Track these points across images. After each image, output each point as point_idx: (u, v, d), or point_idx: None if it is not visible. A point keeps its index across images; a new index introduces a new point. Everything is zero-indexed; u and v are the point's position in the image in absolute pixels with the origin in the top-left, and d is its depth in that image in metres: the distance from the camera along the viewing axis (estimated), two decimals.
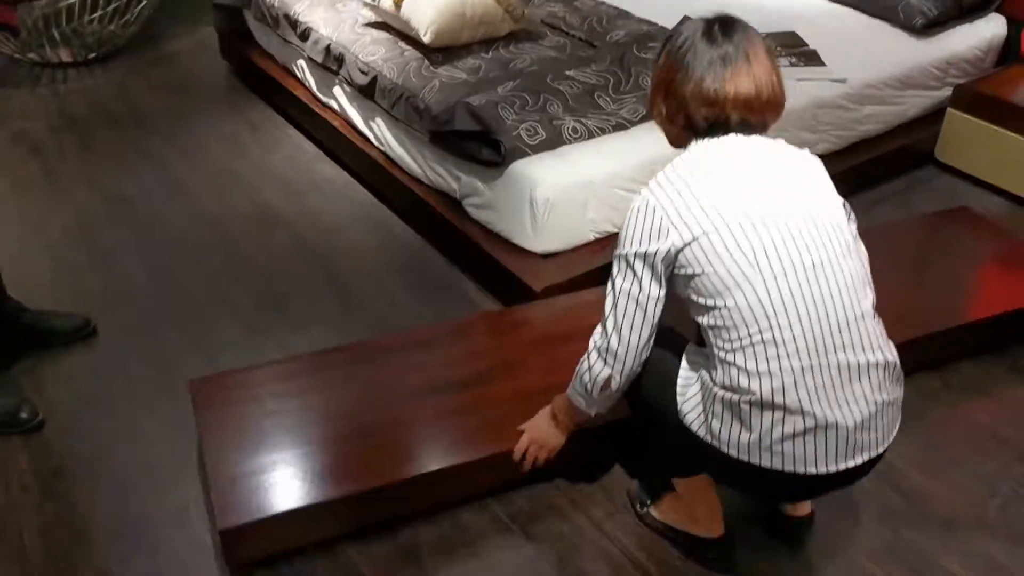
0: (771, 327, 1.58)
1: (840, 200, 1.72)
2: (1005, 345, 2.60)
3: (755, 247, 1.58)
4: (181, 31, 4.77)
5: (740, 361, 1.60)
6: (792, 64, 3.24)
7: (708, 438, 1.67)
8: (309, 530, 1.95)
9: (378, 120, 3.18)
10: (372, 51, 3.18)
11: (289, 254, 2.99)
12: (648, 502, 2.05)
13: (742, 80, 1.62)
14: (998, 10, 3.78)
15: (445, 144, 2.82)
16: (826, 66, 3.26)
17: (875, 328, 1.67)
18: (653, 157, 2.61)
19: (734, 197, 1.61)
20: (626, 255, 1.67)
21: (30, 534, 2.00)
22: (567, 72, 3.02)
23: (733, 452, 1.64)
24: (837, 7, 3.79)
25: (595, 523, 2.05)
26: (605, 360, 1.74)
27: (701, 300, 1.63)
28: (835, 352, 1.60)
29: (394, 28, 3.28)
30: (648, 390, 1.80)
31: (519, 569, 1.95)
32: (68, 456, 2.20)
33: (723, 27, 1.65)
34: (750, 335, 1.59)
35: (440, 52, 3.14)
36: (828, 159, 2.29)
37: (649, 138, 2.55)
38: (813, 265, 1.60)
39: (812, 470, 1.61)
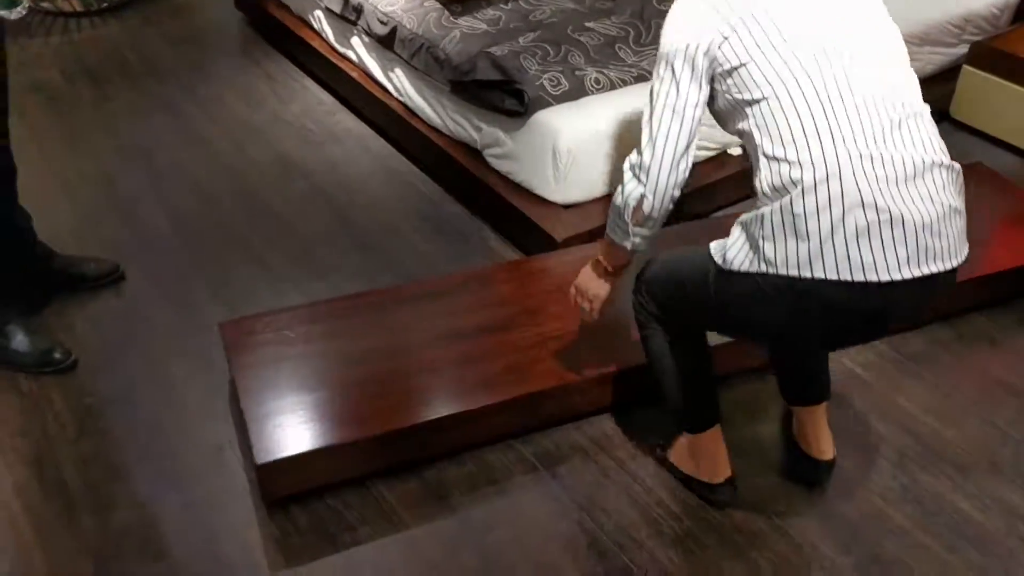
0: (824, 114, 1.49)
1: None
2: (1015, 298, 2.64)
3: (806, 32, 1.53)
4: None
5: (792, 155, 1.50)
6: None
7: (763, 268, 1.52)
8: (340, 467, 2.00)
9: (397, 71, 3.19)
10: (391, 1, 3.18)
11: (309, 204, 3.01)
12: (665, 445, 2.10)
13: None
14: None
15: (466, 94, 2.83)
16: None
17: (935, 131, 1.59)
18: None
19: None
20: (667, 54, 1.62)
21: (69, 468, 2.05)
22: (587, 24, 3.03)
23: (793, 272, 1.49)
24: None
25: (619, 463, 2.10)
26: (638, 177, 1.67)
27: (747, 95, 1.56)
28: (895, 146, 1.51)
29: None
30: (679, 272, 1.75)
31: (545, 506, 2.00)
32: (100, 396, 2.24)
33: None
34: (801, 122, 1.50)
35: (459, 3, 3.14)
36: None
37: None
38: (870, 63, 1.54)
39: (884, 276, 1.47)
